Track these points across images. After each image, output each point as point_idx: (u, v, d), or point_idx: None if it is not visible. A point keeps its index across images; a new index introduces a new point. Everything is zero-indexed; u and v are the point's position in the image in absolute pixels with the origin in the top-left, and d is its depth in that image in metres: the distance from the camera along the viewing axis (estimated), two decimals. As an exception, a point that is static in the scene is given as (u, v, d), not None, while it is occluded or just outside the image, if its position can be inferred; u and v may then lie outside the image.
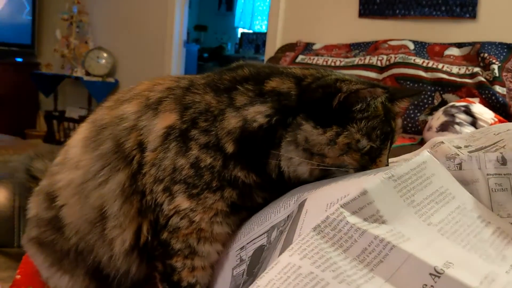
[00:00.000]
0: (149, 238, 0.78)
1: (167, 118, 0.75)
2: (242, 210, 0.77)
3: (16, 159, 1.23)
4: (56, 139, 4.50)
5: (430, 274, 0.49)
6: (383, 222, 0.54)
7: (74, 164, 0.82)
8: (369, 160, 0.72)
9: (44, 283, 0.89)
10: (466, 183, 0.64)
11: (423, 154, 0.64)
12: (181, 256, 0.76)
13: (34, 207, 0.89)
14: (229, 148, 0.73)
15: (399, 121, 0.77)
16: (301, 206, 0.65)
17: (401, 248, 0.51)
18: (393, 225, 0.54)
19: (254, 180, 0.74)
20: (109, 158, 0.77)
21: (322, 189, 0.66)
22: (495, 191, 0.62)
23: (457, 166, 0.66)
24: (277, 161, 0.73)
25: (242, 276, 0.69)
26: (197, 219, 0.74)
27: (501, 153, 0.63)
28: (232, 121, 0.74)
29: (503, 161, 0.63)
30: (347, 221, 0.54)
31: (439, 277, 0.48)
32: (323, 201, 0.61)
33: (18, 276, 0.99)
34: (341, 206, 0.55)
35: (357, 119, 0.70)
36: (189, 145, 0.73)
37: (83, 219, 0.80)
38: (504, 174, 0.62)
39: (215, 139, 0.73)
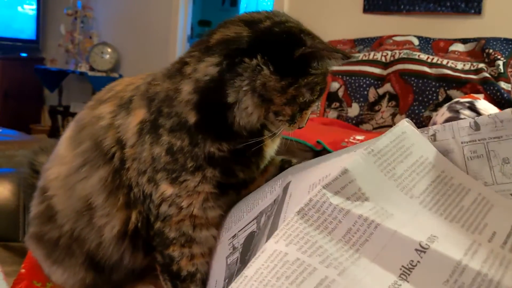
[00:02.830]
0: (139, 224, 0.79)
1: (138, 114, 0.78)
2: (229, 190, 0.78)
3: (21, 153, 1.24)
4: (60, 134, 4.50)
5: (416, 249, 0.49)
6: (366, 199, 0.54)
7: (60, 160, 0.85)
8: (298, 112, 0.74)
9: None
10: (441, 154, 0.63)
11: (402, 124, 0.63)
12: (177, 245, 0.76)
13: (33, 206, 0.91)
14: (191, 118, 0.73)
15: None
16: (285, 189, 0.65)
17: (385, 226, 0.51)
18: (375, 201, 0.54)
19: (228, 150, 0.74)
20: (89, 156, 0.80)
21: (304, 171, 0.67)
22: (471, 159, 0.61)
23: (431, 138, 0.64)
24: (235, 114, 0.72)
25: (236, 264, 0.70)
26: (184, 204, 0.75)
27: (473, 118, 0.62)
28: (185, 88, 0.74)
29: (476, 127, 0.61)
30: (330, 202, 0.53)
31: (424, 252, 0.49)
32: (305, 183, 0.61)
33: (23, 270, 1.00)
34: (323, 187, 0.54)
35: (309, 74, 0.72)
36: (159, 132, 0.75)
37: (71, 209, 0.82)
38: (478, 140, 0.61)
39: (177, 117, 0.74)
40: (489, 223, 0.54)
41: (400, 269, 0.48)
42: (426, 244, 0.49)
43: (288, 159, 0.85)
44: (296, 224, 0.53)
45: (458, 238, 0.51)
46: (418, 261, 0.48)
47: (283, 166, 0.84)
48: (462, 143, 0.62)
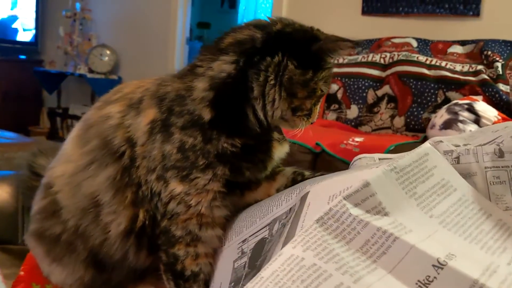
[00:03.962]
0: (146, 222, 0.79)
1: (149, 114, 0.79)
2: (236, 189, 0.79)
3: (20, 156, 1.24)
4: (59, 136, 4.51)
5: (433, 265, 0.49)
6: (386, 214, 0.54)
7: (66, 158, 0.86)
8: (312, 106, 0.79)
9: (47, 279, 0.90)
10: (464, 176, 0.64)
11: (425, 146, 0.64)
12: (183, 243, 0.77)
13: (35, 203, 0.91)
14: (206, 115, 0.75)
15: None
16: (303, 199, 0.65)
17: (403, 239, 0.51)
18: (395, 217, 0.54)
19: (240, 146, 0.75)
20: (97, 154, 0.81)
21: (324, 182, 0.67)
22: (493, 184, 0.62)
23: (454, 160, 0.65)
24: (254, 109, 0.75)
25: (244, 269, 0.70)
26: (193, 202, 0.75)
27: (497, 145, 0.63)
28: (199, 85, 0.76)
29: (500, 154, 0.63)
30: (350, 213, 0.54)
31: (442, 268, 0.48)
32: (325, 193, 0.61)
33: (22, 273, 1.00)
34: (343, 198, 0.55)
35: (326, 67, 0.76)
36: (171, 130, 0.76)
37: (76, 206, 0.82)
38: (502, 167, 0.62)
39: (190, 115, 0.75)
40: (509, 247, 0.54)
41: (416, 283, 0.48)
42: (444, 261, 0.49)
43: (301, 171, 0.86)
44: (315, 231, 0.54)
45: (476, 258, 0.52)
46: (435, 277, 0.48)
47: (296, 178, 0.84)
48: (485, 168, 0.63)
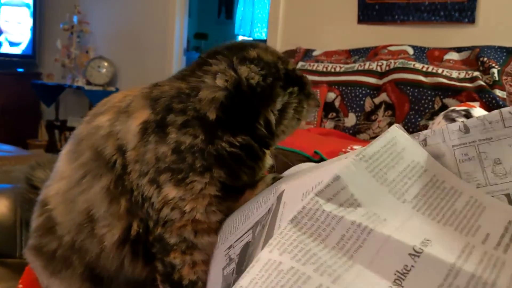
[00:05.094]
0: (140, 231, 0.77)
1: (140, 115, 0.77)
2: (232, 193, 0.78)
3: (18, 169, 1.23)
4: (58, 148, 4.50)
5: (410, 254, 0.49)
6: (358, 205, 0.54)
7: (60, 176, 0.84)
8: None
9: (46, 292, 0.90)
10: (433, 158, 0.63)
11: (392, 129, 0.63)
12: (178, 251, 0.75)
13: (32, 220, 0.90)
14: (212, 115, 0.74)
15: None
16: (279, 198, 0.65)
17: (378, 231, 0.51)
18: (368, 207, 0.54)
19: (240, 144, 0.75)
20: (90, 167, 0.79)
21: (298, 179, 0.67)
22: (462, 161, 0.61)
23: (422, 143, 0.65)
24: (269, 118, 0.78)
25: (232, 275, 0.69)
26: (187, 208, 0.73)
27: (462, 121, 0.62)
28: (211, 82, 0.76)
29: (465, 129, 0.61)
30: (323, 210, 0.53)
31: (418, 256, 0.49)
32: (299, 191, 0.61)
33: (20, 286, 0.99)
34: (315, 195, 0.54)
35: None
36: (167, 131, 0.74)
37: (72, 222, 0.81)
38: (469, 143, 0.61)
39: (194, 113, 0.74)
40: (482, 225, 0.54)
41: (395, 274, 0.48)
42: (420, 248, 0.49)
43: (280, 176, 0.85)
44: (290, 232, 0.53)
45: (452, 241, 0.51)
46: (412, 266, 0.48)
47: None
48: (453, 146, 0.62)
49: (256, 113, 0.78)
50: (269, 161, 0.84)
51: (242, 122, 0.77)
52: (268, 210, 0.68)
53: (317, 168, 0.67)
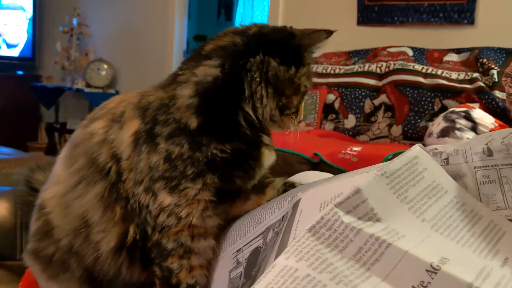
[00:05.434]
0: (137, 237, 0.78)
1: (132, 125, 0.78)
2: (227, 198, 0.78)
3: (18, 171, 1.23)
4: (57, 151, 4.49)
5: (427, 270, 0.49)
6: (378, 220, 0.54)
7: (56, 180, 0.85)
8: (298, 105, 0.78)
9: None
10: (454, 178, 0.63)
11: (415, 148, 0.63)
12: (175, 256, 0.76)
13: (31, 225, 0.91)
14: (193, 122, 0.74)
15: None
16: (295, 206, 0.65)
17: (396, 246, 0.51)
18: (387, 222, 0.54)
19: (230, 150, 0.74)
20: (85, 173, 0.80)
21: (316, 188, 0.67)
22: (483, 183, 0.61)
23: (444, 162, 0.65)
24: (244, 111, 0.75)
25: (240, 279, 0.69)
26: (183, 214, 0.74)
27: (486, 144, 0.62)
28: (184, 93, 0.76)
29: (489, 153, 0.62)
30: (342, 221, 0.53)
31: (435, 273, 0.48)
32: (317, 201, 0.61)
33: (21, 288, 0.99)
34: (335, 206, 0.54)
35: (306, 63, 0.77)
36: (157, 141, 0.75)
37: (68, 227, 0.81)
38: (491, 166, 0.61)
39: (176, 124, 0.75)
40: (501, 250, 0.54)
41: None
42: (438, 265, 0.49)
43: (291, 182, 0.85)
44: (307, 241, 0.53)
45: (470, 262, 0.51)
46: (429, 282, 0.48)
47: (287, 190, 0.82)
48: (474, 168, 0.62)
49: (231, 112, 0.76)
50: (267, 159, 0.81)
51: (223, 125, 0.75)
52: (282, 217, 0.68)
53: (336, 180, 0.67)
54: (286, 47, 0.76)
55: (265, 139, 0.80)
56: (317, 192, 0.65)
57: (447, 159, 0.65)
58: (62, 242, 0.82)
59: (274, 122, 0.78)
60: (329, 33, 0.76)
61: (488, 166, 0.62)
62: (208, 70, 0.75)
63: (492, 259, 0.53)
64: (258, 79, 0.74)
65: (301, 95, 0.78)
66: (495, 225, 0.58)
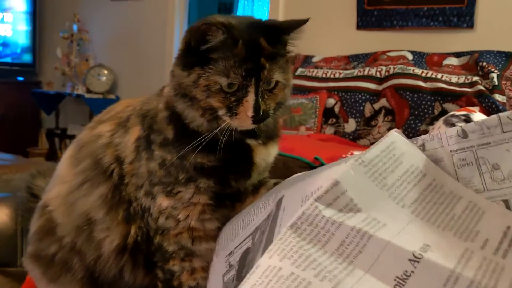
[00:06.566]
0: (139, 238, 0.79)
1: (134, 132, 0.81)
2: (226, 201, 0.79)
3: (18, 177, 1.23)
4: (58, 156, 4.50)
5: (409, 260, 0.49)
6: (358, 211, 0.54)
7: (61, 180, 0.87)
8: (234, 101, 0.71)
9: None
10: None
11: (391, 134, 0.63)
12: (177, 258, 0.77)
13: (32, 225, 0.91)
14: (169, 133, 0.76)
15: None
16: (279, 203, 0.65)
17: (378, 237, 0.51)
18: (368, 212, 0.54)
19: (217, 159, 0.75)
20: (90, 174, 0.82)
21: (297, 184, 0.67)
22: (460, 166, 0.60)
23: (420, 148, 0.64)
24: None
25: (233, 282, 0.69)
26: (181, 216, 0.76)
27: (460, 126, 0.61)
28: (160, 106, 0.79)
29: (463, 134, 0.61)
30: (323, 215, 0.53)
31: (418, 262, 0.48)
32: (298, 196, 0.61)
33: (21, 295, 0.99)
34: (315, 200, 0.54)
35: (211, 58, 0.71)
36: (152, 147, 0.78)
37: (71, 224, 0.82)
38: (467, 148, 0.60)
39: (162, 135, 0.77)
40: (481, 230, 0.54)
41: (395, 279, 0.48)
42: (420, 254, 0.49)
43: (281, 182, 0.85)
44: (290, 238, 0.53)
45: (451, 246, 0.51)
46: (412, 271, 0.48)
47: None
48: (451, 151, 0.62)
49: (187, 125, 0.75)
50: (263, 155, 0.79)
51: (193, 135, 0.74)
52: (268, 215, 0.68)
53: (316, 173, 0.67)
54: (187, 49, 0.75)
55: (250, 140, 0.77)
56: (298, 188, 0.65)
57: (423, 145, 0.64)
58: (65, 240, 0.83)
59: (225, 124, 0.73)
60: (222, 26, 0.72)
61: (464, 148, 0.61)
62: (172, 81, 0.78)
63: (472, 240, 0.53)
64: (171, 94, 0.78)
65: (220, 94, 0.72)
66: (474, 205, 0.57)
